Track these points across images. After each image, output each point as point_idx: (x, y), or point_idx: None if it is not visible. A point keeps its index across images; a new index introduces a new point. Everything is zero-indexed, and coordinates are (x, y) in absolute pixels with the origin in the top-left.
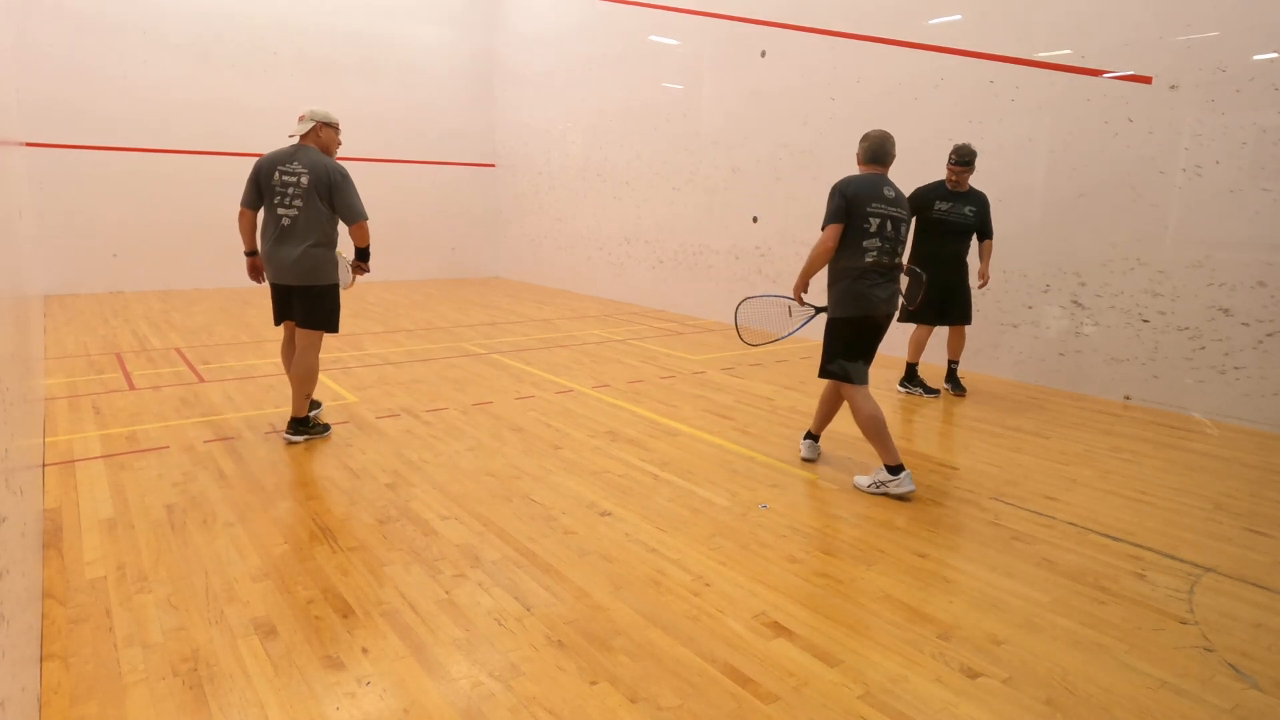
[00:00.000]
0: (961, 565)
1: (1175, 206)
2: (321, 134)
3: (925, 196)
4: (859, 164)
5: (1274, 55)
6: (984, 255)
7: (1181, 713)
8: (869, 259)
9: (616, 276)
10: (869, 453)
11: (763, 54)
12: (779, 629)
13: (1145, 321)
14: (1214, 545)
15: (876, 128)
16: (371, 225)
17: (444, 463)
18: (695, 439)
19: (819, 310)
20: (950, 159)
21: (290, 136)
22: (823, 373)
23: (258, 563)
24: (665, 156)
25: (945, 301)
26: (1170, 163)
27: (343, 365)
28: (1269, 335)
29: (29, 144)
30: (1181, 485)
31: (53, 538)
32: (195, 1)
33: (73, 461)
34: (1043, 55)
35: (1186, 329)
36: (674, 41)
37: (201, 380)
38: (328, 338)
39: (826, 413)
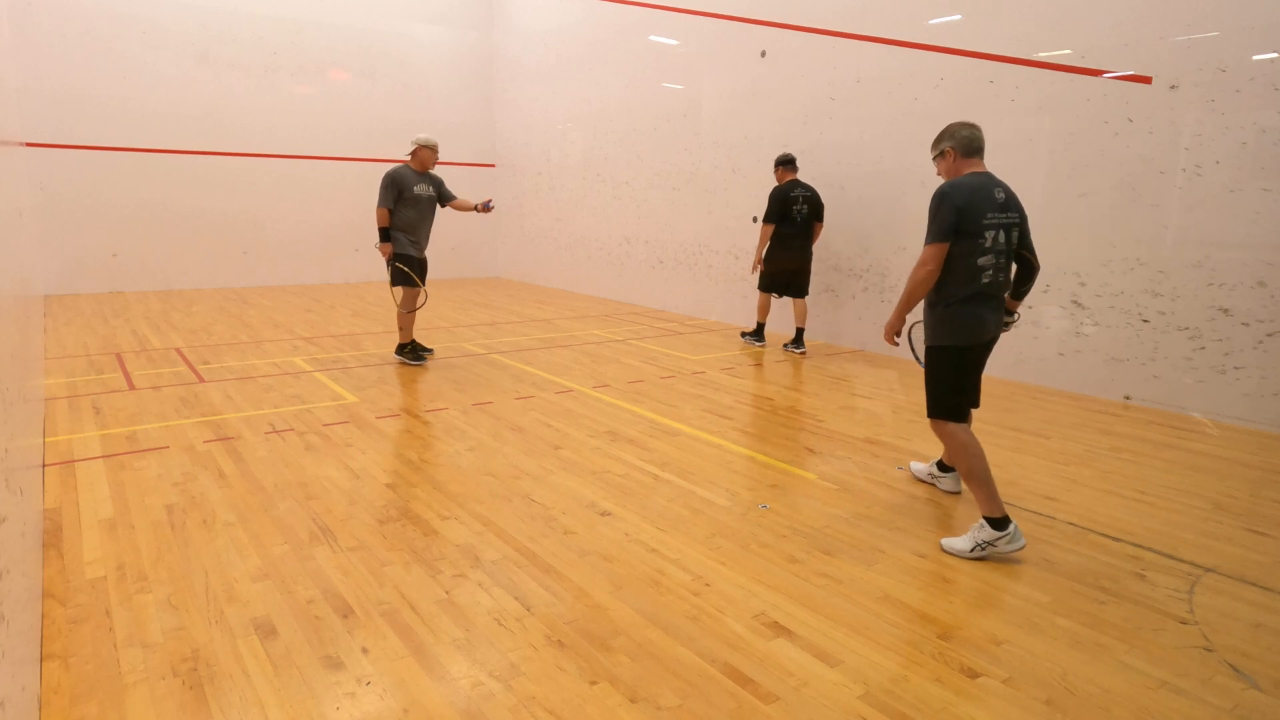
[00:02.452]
0: (961, 565)
1: (1175, 206)
2: (419, 154)
3: (785, 197)
4: (952, 159)
5: (1274, 55)
6: (814, 235)
7: (1181, 713)
8: (984, 280)
9: (616, 276)
10: (870, 451)
11: (763, 54)
12: (779, 629)
13: (1145, 321)
14: (1214, 545)
15: (956, 121)
16: (371, 226)
17: (444, 463)
18: (695, 439)
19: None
20: (789, 164)
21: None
22: (934, 412)
23: (258, 563)
24: (665, 156)
25: (790, 283)
26: (1170, 163)
27: (343, 365)
28: (1269, 335)
29: (29, 144)
30: (1181, 485)
31: (53, 538)
32: (195, 1)
33: (73, 461)
34: (1043, 55)
35: (1186, 329)
36: (674, 41)
37: (201, 380)
38: (331, 340)
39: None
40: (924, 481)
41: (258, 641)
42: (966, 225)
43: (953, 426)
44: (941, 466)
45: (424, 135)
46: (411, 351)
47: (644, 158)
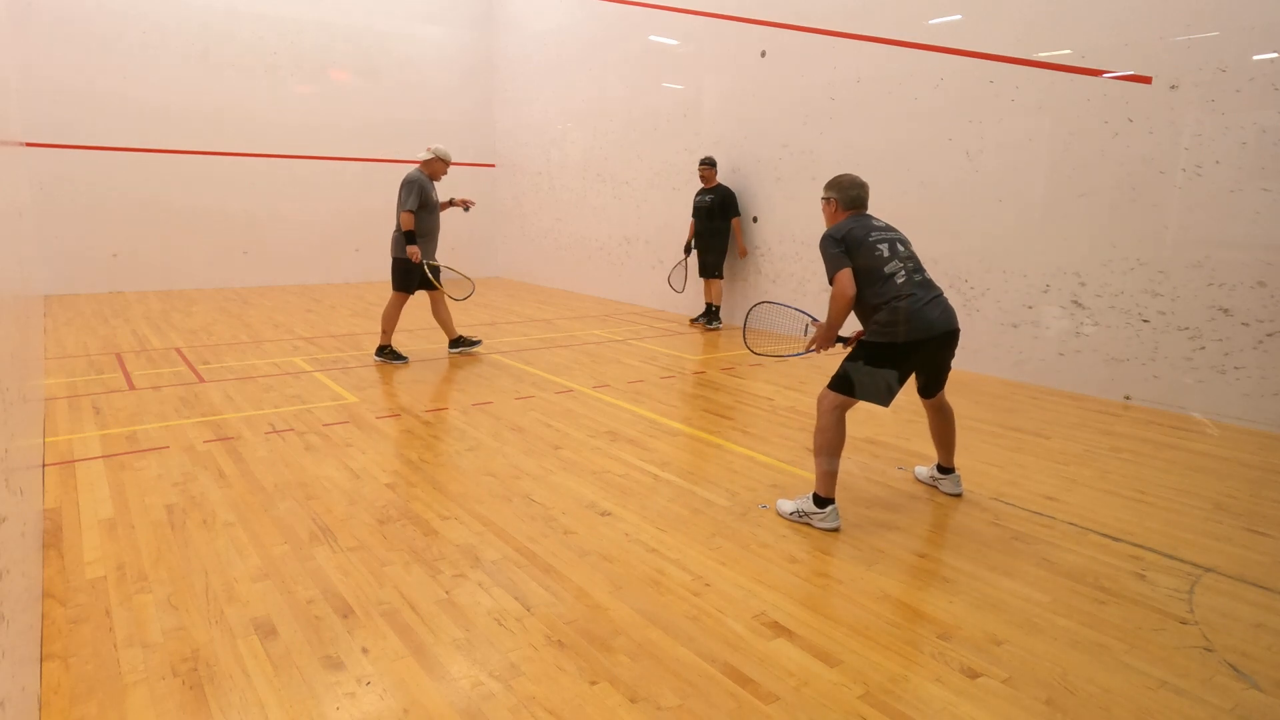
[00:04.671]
0: (961, 565)
1: (1175, 206)
2: (435, 166)
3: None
4: (838, 212)
5: (1274, 55)
6: (736, 230)
7: (1181, 713)
8: (899, 281)
9: (616, 276)
10: (870, 451)
11: (763, 54)
12: (779, 629)
13: (1145, 321)
14: (1214, 545)
15: (845, 173)
16: (372, 226)
17: (444, 463)
18: (695, 439)
19: (845, 341)
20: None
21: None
22: (833, 385)
23: (258, 563)
24: (665, 156)
25: (705, 261)
26: (1170, 163)
27: (343, 365)
28: (1269, 335)
29: (29, 144)
30: (1181, 485)
31: (53, 538)
32: (195, 1)
33: (73, 461)
34: (1043, 55)
35: (1186, 329)
36: (674, 41)
37: (201, 380)
38: (331, 340)
39: (941, 435)
40: (926, 484)
41: (258, 641)
42: (854, 246)
43: (838, 401)
44: (942, 469)
45: (442, 148)
46: (391, 352)
47: (644, 158)
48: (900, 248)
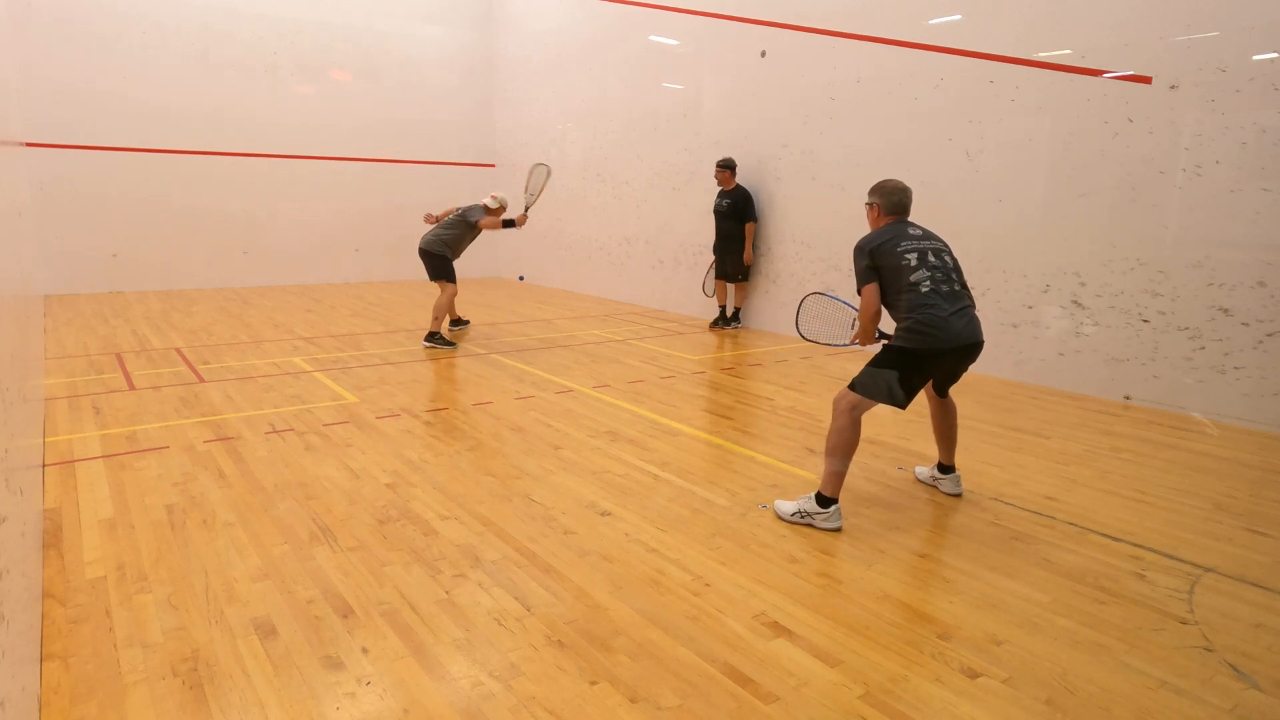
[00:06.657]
0: (961, 565)
1: (1175, 206)
2: (497, 212)
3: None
4: (880, 217)
5: (1274, 55)
6: (746, 236)
7: (1181, 713)
8: (924, 290)
9: (616, 276)
10: (870, 451)
11: (763, 54)
12: (779, 629)
13: (1145, 321)
14: (1214, 545)
15: (890, 178)
16: (372, 226)
17: (444, 463)
18: (695, 439)
19: (884, 337)
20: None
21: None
22: (854, 386)
23: (258, 563)
24: (665, 156)
25: (723, 264)
26: (1170, 163)
27: (343, 365)
28: (1269, 335)
29: (29, 144)
30: (1181, 485)
31: (53, 538)
32: (195, 1)
33: (73, 461)
34: (1043, 55)
35: (1186, 329)
36: (674, 41)
37: (201, 380)
38: (331, 340)
39: (943, 431)
40: (926, 484)
41: (258, 641)
42: (882, 259)
43: (854, 402)
44: (942, 468)
45: (505, 197)
46: (441, 339)
47: (644, 158)
48: (932, 257)
